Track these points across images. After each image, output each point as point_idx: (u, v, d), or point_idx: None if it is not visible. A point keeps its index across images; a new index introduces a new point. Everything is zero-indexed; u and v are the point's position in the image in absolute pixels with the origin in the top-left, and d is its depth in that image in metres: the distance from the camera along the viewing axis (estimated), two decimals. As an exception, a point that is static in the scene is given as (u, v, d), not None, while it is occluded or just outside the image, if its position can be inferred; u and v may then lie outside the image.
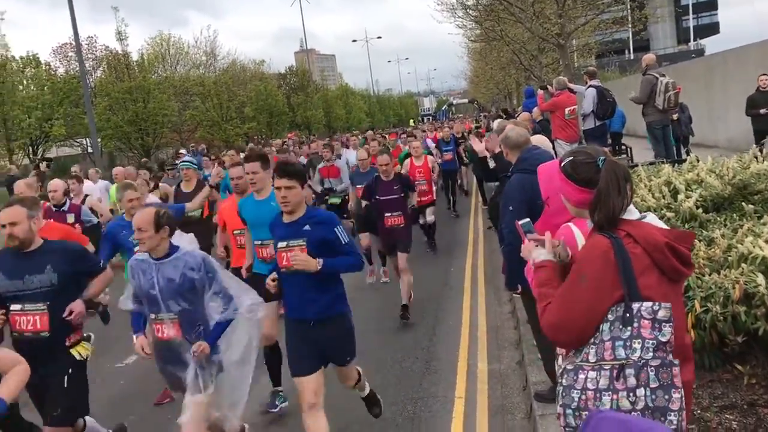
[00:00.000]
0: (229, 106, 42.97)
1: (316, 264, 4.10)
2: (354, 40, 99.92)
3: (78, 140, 36.48)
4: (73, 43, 25.57)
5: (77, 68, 29.32)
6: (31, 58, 32.52)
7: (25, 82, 32.41)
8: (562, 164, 2.56)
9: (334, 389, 4.75)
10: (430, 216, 11.11)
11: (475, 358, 6.56)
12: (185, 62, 43.01)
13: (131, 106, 34.87)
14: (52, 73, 33.77)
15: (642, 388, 2.27)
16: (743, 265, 4.56)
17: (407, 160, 11.21)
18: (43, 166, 18.92)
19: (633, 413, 2.24)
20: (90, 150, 32.42)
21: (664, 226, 2.53)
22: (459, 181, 16.77)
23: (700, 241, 5.20)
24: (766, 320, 4.19)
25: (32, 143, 31.16)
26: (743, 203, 5.75)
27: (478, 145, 6.44)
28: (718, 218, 5.77)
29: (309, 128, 53.70)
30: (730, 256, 4.77)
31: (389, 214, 7.94)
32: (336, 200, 10.83)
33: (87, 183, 11.68)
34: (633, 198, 2.49)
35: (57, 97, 31.53)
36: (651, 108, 10.92)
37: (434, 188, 11.48)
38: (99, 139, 29.33)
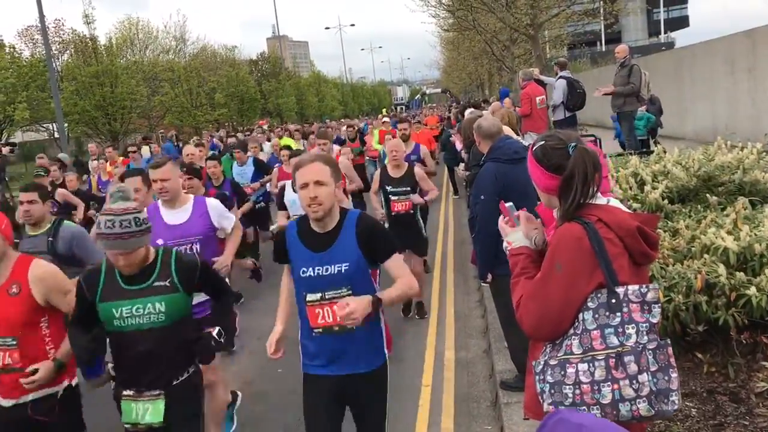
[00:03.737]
0: (199, 92, 42.31)
1: None
2: (327, 28, 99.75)
3: (44, 125, 35.68)
4: (39, 25, 24.98)
5: (43, 51, 28.59)
6: (-7, 40, 31.69)
7: (-13, 65, 31.49)
8: (534, 148, 2.50)
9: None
10: None
11: (443, 346, 6.58)
12: (154, 47, 42.30)
13: (98, 91, 34.06)
14: (17, 56, 32.90)
15: (644, 374, 2.20)
16: (705, 255, 4.64)
17: None
18: (6, 150, 18.48)
19: (638, 400, 2.19)
20: (56, 135, 31.76)
21: (627, 210, 2.49)
22: None
23: (665, 231, 5.28)
24: (726, 310, 4.27)
25: (-5, 127, 30.43)
26: (707, 195, 5.84)
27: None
28: (683, 209, 5.85)
29: (281, 115, 53.27)
30: (693, 246, 4.84)
31: None
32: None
33: None
34: (600, 186, 2.42)
35: (22, 81, 30.75)
36: (632, 98, 10.96)
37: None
38: (66, 124, 28.70)
